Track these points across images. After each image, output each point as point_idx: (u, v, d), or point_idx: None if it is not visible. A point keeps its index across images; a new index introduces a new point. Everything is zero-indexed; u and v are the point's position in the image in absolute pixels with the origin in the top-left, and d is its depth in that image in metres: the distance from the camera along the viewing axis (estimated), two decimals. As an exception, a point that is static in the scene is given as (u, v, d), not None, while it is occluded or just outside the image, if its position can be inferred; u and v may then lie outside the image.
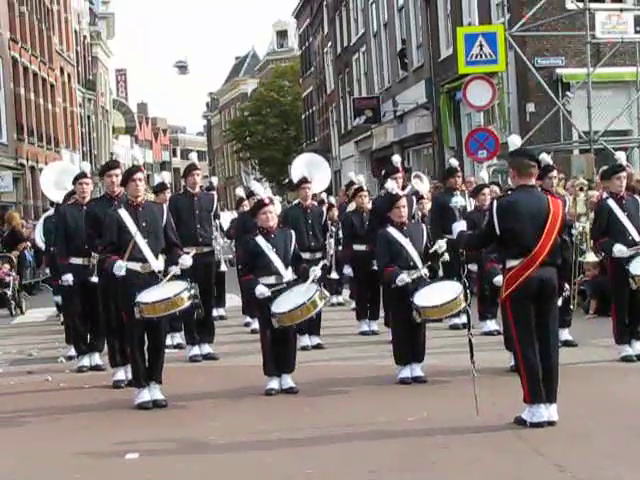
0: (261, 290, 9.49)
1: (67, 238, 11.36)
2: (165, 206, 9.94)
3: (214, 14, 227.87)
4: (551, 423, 7.68)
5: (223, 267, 12.62)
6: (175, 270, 9.31)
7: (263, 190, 10.21)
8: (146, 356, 9.31)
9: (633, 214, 10.61)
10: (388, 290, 10.19)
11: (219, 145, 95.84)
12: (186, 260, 9.36)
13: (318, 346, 12.30)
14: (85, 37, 57.07)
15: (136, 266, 9.17)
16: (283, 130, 62.56)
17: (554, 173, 11.11)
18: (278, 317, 9.36)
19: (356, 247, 13.51)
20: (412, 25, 31.74)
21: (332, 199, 19.51)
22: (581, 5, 19.53)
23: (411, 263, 9.84)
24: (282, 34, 76.73)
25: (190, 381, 10.45)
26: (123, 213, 9.26)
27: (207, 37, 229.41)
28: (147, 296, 8.98)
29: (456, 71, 22.20)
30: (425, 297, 9.48)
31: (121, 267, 9.03)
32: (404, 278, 9.65)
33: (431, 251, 9.82)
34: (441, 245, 9.83)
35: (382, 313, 12.90)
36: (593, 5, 19.78)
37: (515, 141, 8.68)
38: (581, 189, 14.86)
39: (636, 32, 19.45)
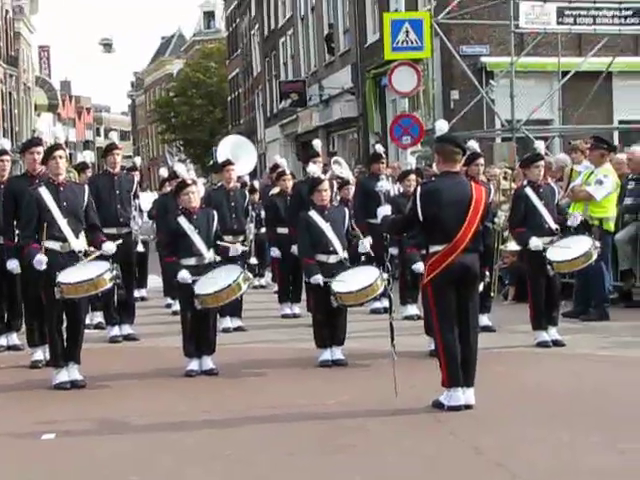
0: (183, 275, 9.42)
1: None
2: (86, 186, 9.80)
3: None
4: (468, 407, 7.76)
5: (140, 247, 12.50)
6: (97, 253, 9.20)
7: (186, 171, 10.16)
8: (65, 336, 9.19)
9: (549, 202, 10.78)
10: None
11: (144, 125, 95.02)
12: (109, 248, 9.25)
13: (239, 328, 12.29)
14: (7, 12, 56.07)
15: (56, 245, 9.04)
16: (209, 112, 62.18)
17: (481, 160, 11.22)
18: (202, 299, 9.31)
19: (279, 230, 13.53)
20: (339, 10, 31.78)
21: (255, 183, 19.45)
22: (506, -5, 19.70)
23: (331, 248, 9.88)
24: (209, 15, 76.22)
25: (110, 362, 10.36)
26: (44, 192, 9.11)
27: (133, 16, 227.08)
28: (68, 276, 8.86)
29: (382, 57, 22.24)
30: (343, 283, 9.51)
31: (41, 262, 8.87)
32: (317, 279, 9.70)
33: (360, 251, 9.86)
34: (365, 246, 9.88)
35: (304, 296, 12.92)
36: (518, -5, 19.96)
37: (442, 126, 8.73)
38: (505, 177, 15.01)
39: (558, 23, 19.63)
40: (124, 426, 7.65)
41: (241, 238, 12.29)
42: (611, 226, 12.72)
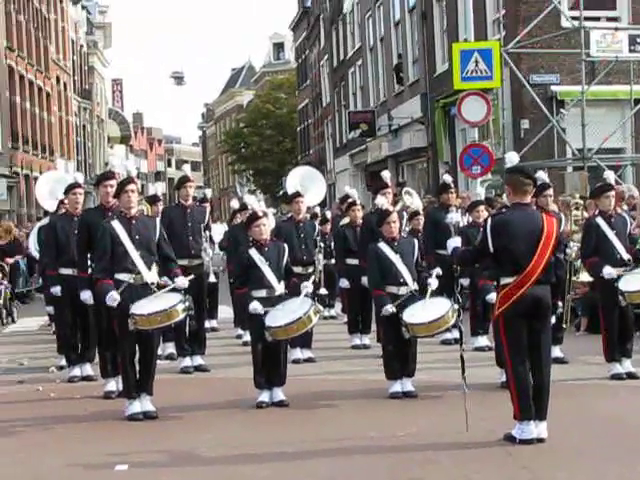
0: (255, 306, 9.49)
1: (57, 249, 11.38)
2: (158, 219, 9.94)
3: (211, 25, 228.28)
4: (540, 440, 7.69)
5: (212, 278, 12.61)
6: (170, 286, 9.30)
7: (257, 202, 10.24)
8: (137, 367, 9.29)
9: (621, 232, 10.67)
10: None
11: (214, 156, 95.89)
12: (182, 283, 9.34)
13: (310, 360, 12.30)
14: (82, 46, 57.16)
15: (129, 278, 9.17)
16: (278, 142, 62.56)
17: (550, 191, 11.14)
18: (272, 331, 9.36)
19: (349, 261, 13.55)
20: (408, 40, 31.85)
21: (327, 213, 19.53)
22: (576, 23, 19.63)
23: (401, 280, 9.89)
24: (279, 46, 76.82)
25: (181, 393, 10.44)
26: (116, 225, 9.25)
27: (204, 48, 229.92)
28: (141, 308, 8.97)
29: (451, 86, 22.23)
30: (414, 314, 9.51)
31: (114, 299, 9.00)
32: (388, 309, 9.71)
33: (428, 293, 9.82)
34: (432, 285, 9.86)
35: (374, 327, 12.90)
36: (588, 23, 19.88)
37: (512, 158, 8.73)
38: (577, 208, 14.88)
39: (630, 51, 19.52)
40: (195, 458, 7.70)
41: (310, 269, 12.34)
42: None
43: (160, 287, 9.24)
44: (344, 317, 15.29)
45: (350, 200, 14.61)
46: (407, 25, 31.82)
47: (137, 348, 9.24)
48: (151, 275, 9.26)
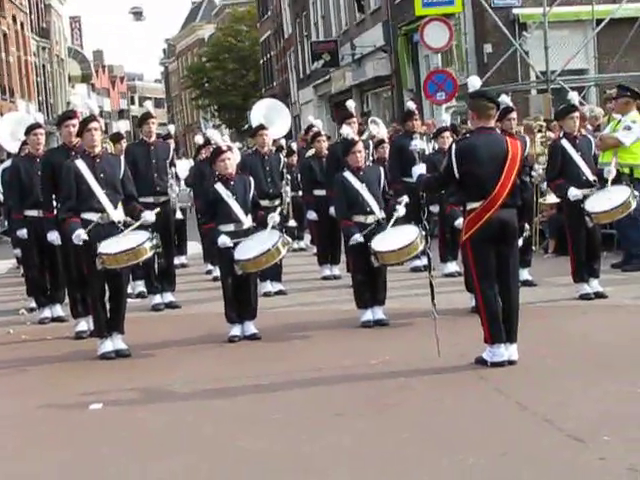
0: (223, 240, 9.46)
1: (21, 191, 11.27)
2: (122, 157, 9.85)
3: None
4: (511, 362, 7.77)
5: (179, 215, 12.56)
6: (137, 223, 9.25)
7: (220, 137, 10.17)
8: (108, 306, 9.28)
9: (586, 153, 10.70)
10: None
11: (177, 92, 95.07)
12: (149, 217, 9.29)
13: (280, 292, 12.33)
14: (37, -16, 56.13)
15: (95, 217, 9.10)
16: (242, 76, 62.09)
17: (513, 114, 11.16)
18: (242, 264, 9.35)
19: (316, 192, 13.52)
20: (368, -34, 31.52)
21: (293, 145, 19.44)
22: (536, -57, 19.52)
23: (368, 209, 9.88)
24: (238, -22, 75.80)
25: (153, 330, 10.44)
26: (80, 164, 9.16)
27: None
28: (109, 247, 8.91)
29: (413, 13, 22.10)
30: (383, 241, 9.52)
31: (79, 237, 8.94)
32: (356, 238, 9.72)
33: (392, 219, 9.81)
34: (399, 212, 9.85)
35: (344, 257, 12.92)
36: (548, -58, 19.72)
37: (475, 83, 8.69)
38: (539, 130, 14.90)
39: (591, -29, 19.46)
40: (169, 394, 7.71)
41: (277, 202, 12.30)
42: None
43: (127, 225, 9.18)
44: (313, 248, 15.32)
45: (315, 130, 14.56)
46: (367, -49, 31.48)
47: (106, 287, 9.22)
48: (118, 213, 9.20)
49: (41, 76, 54.57)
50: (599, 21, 20.61)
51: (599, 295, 10.52)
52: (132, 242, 8.95)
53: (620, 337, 8.69)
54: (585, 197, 10.42)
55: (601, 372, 7.44)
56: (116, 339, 9.21)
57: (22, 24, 49.73)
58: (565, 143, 10.70)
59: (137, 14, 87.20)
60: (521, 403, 6.77)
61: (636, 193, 10.67)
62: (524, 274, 11.15)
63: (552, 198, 12.26)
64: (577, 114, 10.91)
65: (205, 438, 6.51)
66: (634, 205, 10.53)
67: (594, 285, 10.61)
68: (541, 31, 19.78)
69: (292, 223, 13.34)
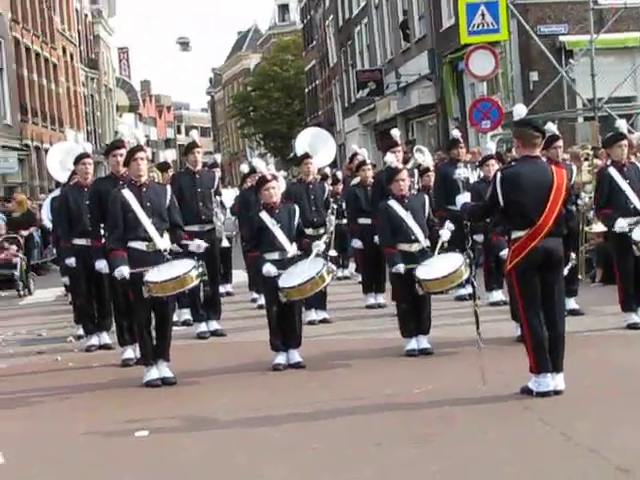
0: (268, 269, 9.52)
1: (70, 220, 11.41)
2: (168, 186, 9.94)
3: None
4: (557, 392, 7.71)
5: (225, 243, 12.63)
6: (190, 247, 9.35)
7: (265, 166, 10.23)
8: (154, 334, 9.34)
9: (635, 182, 10.62)
10: (391, 265, 10.23)
11: (223, 121, 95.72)
12: (196, 246, 9.39)
13: (325, 320, 12.35)
14: (86, 16, 56.92)
15: (142, 245, 9.20)
16: (287, 104, 62.43)
17: (560, 143, 11.13)
18: (286, 291, 9.40)
19: (361, 221, 13.55)
20: (414, -4, 31.62)
21: (338, 173, 19.50)
22: (583, -29, 19.48)
23: (412, 237, 9.89)
24: (283, 7, 76.43)
25: (198, 358, 10.50)
26: (127, 193, 9.27)
27: (209, 12, 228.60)
28: (155, 275, 9.01)
29: (458, 41, 22.11)
30: (427, 270, 9.52)
31: (121, 273, 9.07)
32: (399, 268, 9.75)
33: (437, 245, 9.81)
34: (443, 237, 9.85)
35: (389, 286, 12.92)
36: (595, -29, 19.73)
37: (520, 111, 8.67)
38: (586, 158, 14.84)
39: (640, -3, 19.38)
40: (213, 422, 7.74)
41: (322, 230, 12.34)
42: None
43: (173, 253, 9.27)
44: (358, 277, 15.32)
45: (360, 159, 14.60)
46: (412, -19, 31.58)
47: (153, 315, 9.29)
48: (164, 242, 9.29)
49: (90, 106, 55.20)
50: (646, 48, 20.55)
51: (647, 324, 10.43)
52: (178, 270, 9.03)
53: (668, 367, 8.60)
54: (632, 227, 10.35)
55: (648, 402, 7.37)
56: (162, 367, 9.27)
57: (72, 55, 50.39)
58: (613, 171, 10.64)
59: (184, 44, 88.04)
60: (566, 434, 6.71)
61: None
62: (571, 303, 11.09)
63: (599, 227, 12.17)
64: (625, 142, 10.85)
65: (244, 466, 6.52)
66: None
67: (642, 314, 10.51)
68: (588, 58, 19.73)
69: (333, 253, 13.34)
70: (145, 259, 9.14)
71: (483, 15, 20.44)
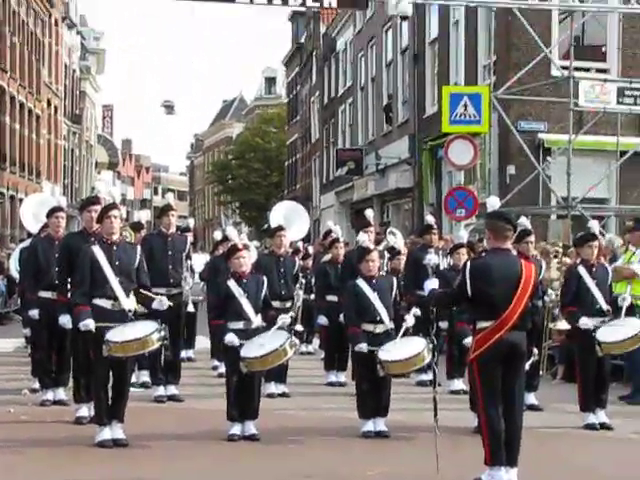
0: (231, 339, 9.50)
1: (37, 272, 11.34)
2: (139, 246, 9.94)
3: (204, 57, 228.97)
4: (510, 487, 7.68)
5: (190, 308, 12.59)
6: (154, 303, 9.31)
7: (237, 235, 10.26)
8: (110, 394, 9.25)
9: (602, 282, 10.72)
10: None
11: (201, 186, 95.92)
12: (159, 304, 9.36)
13: (284, 394, 12.28)
14: (74, 71, 57.20)
15: (107, 303, 9.16)
16: (266, 175, 62.68)
17: (531, 238, 11.21)
18: (248, 362, 9.35)
19: (329, 298, 13.54)
20: (399, 81, 32.02)
21: (309, 248, 19.55)
22: (566, 73, 19.77)
23: (378, 318, 9.90)
24: (271, 81, 77.12)
25: (153, 422, 10.38)
26: (97, 250, 9.24)
27: (196, 79, 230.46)
28: (117, 335, 8.96)
29: (440, 129, 22.34)
30: (390, 351, 9.52)
31: (87, 326, 9.04)
32: (362, 347, 9.75)
33: (402, 329, 9.83)
34: (408, 322, 9.87)
35: (350, 365, 12.88)
36: (578, 74, 20.02)
37: (493, 203, 8.76)
38: (555, 255, 14.96)
39: (618, 103, 19.66)
40: (162, 488, 7.66)
41: (289, 304, 12.32)
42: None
43: (137, 314, 9.22)
44: (321, 353, 15.27)
45: (333, 236, 14.65)
46: (399, 66, 32.00)
47: (111, 375, 9.21)
48: (129, 302, 9.24)
49: (69, 160, 55.19)
50: (623, 153, 20.80)
51: (604, 426, 10.43)
52: (140, 332, 8.99)
53: (620, 471, 8.59)
54: (597, 327, 10.41)
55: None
56: (115, 428, 9.17)
57: (56, 108, 50.51)
58: (582, 270, 10.73)
59: (169, 107, 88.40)
60: (516, 529, 6.68)
61: (648, 326, 10.68)
62: (530, 398, 11.09)
63: (563, 324, 12.25)
64: (596, 243, 10.97)
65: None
66: (646, 339, 10.52)
67: (600, 415, 10.52)
68: (565, 157, 19.95)
69: (299, 327, 13.29)
70: (109, 317, 9.09)
71: (466, 106, 20.70)
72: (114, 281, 9.16)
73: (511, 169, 22.10)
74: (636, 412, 11.58)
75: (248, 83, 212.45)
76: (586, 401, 10.53)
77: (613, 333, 10.38)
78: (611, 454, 9.44)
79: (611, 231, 20.75)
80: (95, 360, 9.14)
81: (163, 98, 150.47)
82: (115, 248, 9.30)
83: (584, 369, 10.58)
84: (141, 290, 9.43)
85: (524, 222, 11.23)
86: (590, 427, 10.40)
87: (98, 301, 9.14)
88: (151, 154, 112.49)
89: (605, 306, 10.62)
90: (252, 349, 9.39)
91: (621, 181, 21.87)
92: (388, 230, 16.49)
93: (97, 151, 65.25)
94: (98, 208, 10.13)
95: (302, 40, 52.84)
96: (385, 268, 12.87)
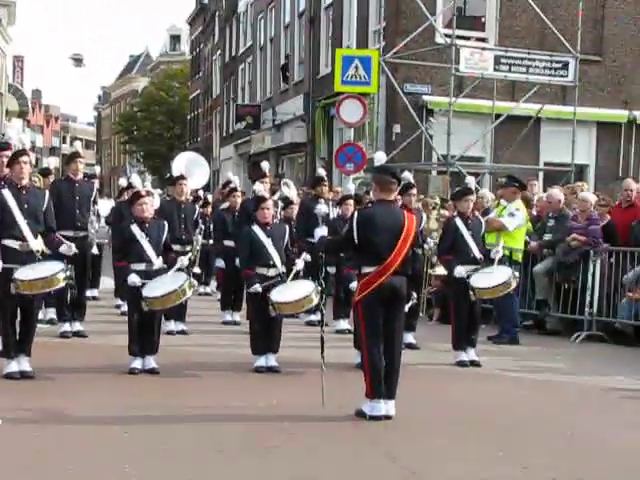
0: (133, 279, 9.43)
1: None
2: (47, 191, 9.73)
3: (113, 13, 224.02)
4: (388, 417, 7.79)
5: (95, 250, 12.41)
6: (61, 250, 9.15)
7: (141, 183, 10.14)
8: (18, 329, 9.09)
9: (476, 233, 10.90)
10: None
11: (108, 136, 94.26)
12: (67, 249, 9.19)
13: (182, 332, 12.24)
14: (-14, 22, 55.37)
15: (15, 244, 8.96)
16: (169, 128, 61.93)
17: (414, 191, 11.33)
18: (149, 301, 9.29)
19: (226, 243, 13.52)
20: (296, 42, 31.81)
21: (209, 196, 19.41)
22: (449, 41, 19.88)
23: (270, 262, 9.92)
24: (175, 38, 75.90)
25: (58, 356, 10.24)
26: (7, 193, 9.02)
27: (104, 34, 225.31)
28: (24, 273, 8.79)
29: (332, 88, 22.32)
30: (280, 293, 9.55)
31: None
32: (256, 288, 9.74)
33: (292, 273, 9.86)
34: (298, 266, 9.94)
35: (245, 305, 12.89)
36: (459, 42, 20.11)
37: (380, 157, 8.80)
38: (434, 207, 15.15)
39: (495, 70, 19.87)
40: (66, 417, 7.57)
41: (188, 248, 12.25)
42: (519, 257, 12.94)
43: (44, 255, 9.06)
44: (218, 294, 15.25)
45: (232, 186, 14.58)
46: (296, 28, 31.78)
47: (19, 311, 9.04)
48: (37, 243, 9.06)
49: (-21, 107, 53.60)
50: (498, 116, 21.10)
51: (474, 363, 10.66)
52: (46, 271, 8.84)
53: (488, 403, 8.81)
54: (470, 274, 10.60)
55: (468, 434, 7.52)
56: (23, 361, 9.03)
57: (-33, 57, 48.95)
58: (458, 222, 10.89)
59: (77, 60, 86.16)
60: (393, 455, 6.80)
61: (516, 274, 10.93)
62: (409, 337, 11.26)
63: (441, 270, 12.43)
64: (472, 197, 11.14)
65: (92, 462, 6.40)
66: (514, 285, 10.77)
67: (471, 354, 10.74)
68: (446, 118, 20.14)
69: (197, 270, 13.22)
70: (17, 257, 8.90)
71: (357, 68, 20.70)
72: (23, 223, 8.96)
73: (397, 128, 22.20)
74: (502, 351, 11.87)
75: (154, 40, 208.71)
76: (458, 341, 10.73)
77: (486, 280, 10.58)
78: (479, 388, 9.66)
79: (485, 187, 21.08)
80: (3, 297, 8.94)
81: (72, 51, 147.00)
82: (24, 192, 9.08)
83: (457, 312, 10.77)
84: (54, 236, 9.24)
85: (407, 176, 11.31)
86: (461, 364, 10.61)
87: (7, 242, 8.93)
88: (60, 104, 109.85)
89: (479, 255, 10.81)
90: (153, 289, 9.33)
91: (495, 141, 22.19)
92: (282, 181, 16.45)
93: (8, 100, 63.43)
94: (9, 154, 9.84)
95: (205, 1, 52.11)
96: (279, 217, 12.86)
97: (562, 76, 20.31)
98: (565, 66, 20.20)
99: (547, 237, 13.56)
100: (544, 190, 16.29)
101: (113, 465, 6.35)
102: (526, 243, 13.29)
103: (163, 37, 79.34)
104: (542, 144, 22.86)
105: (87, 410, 7.78)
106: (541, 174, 22.07)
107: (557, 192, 13.94)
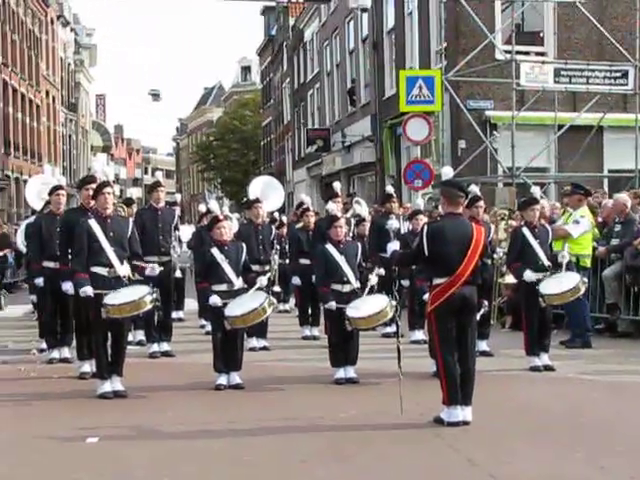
0: (214, 300, 9.52)
1: (41, 244, 11.29)
2: (131, 219, 9.93)
3: (187, 49, 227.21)
4: (466, 423, 7.73)
5: (178, 273, 12.58)
6: (147, 271, 9.31)
7: (219, 208, 10.27)
8: (109, 351, 9.25)
9: (544, 241, 10.77)
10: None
11: (186, 165, 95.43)
12: (152, 271, 9.34)
13: (264, 348, 12.29)
14: (69, 64, 56.70)
15: (103, 271, 9.13)
16: (243, 154, 62.48)
17: (481, 203, 11.23)
18: (231, 320, 9.36)
19: (302, 261, 13.57)
20: (361, 66, 31.92)
21: (284, 218, 19.52)
22: (509, 56, 19.76)
23: (345, 279, 9.92)
24: (246, 69, 76.68)
25: (148, 375, 10.37)
26: (93, 223, 9.22)
27: (179, 69, 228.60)
28: (113, 298, 8.95)
29: (398, 109, 22.32)
30: (356, 309, 9.54)
31: (86, 292, 9.02)
32: (332, 305, 9.77)
33: (367, 288, 9.85)
34: (372, 281, 9.91)
35: (323, 320, 12.91)
36: (519, 57, 20.00)
37: (447, 172, 8.78)
38: (502, 218, 15.01)
39: (555, 82, 19.68)
40: (158, 433, 7.67)
41: (267, 267, 12.33)
42: (587, 262, 12.75)
43: (131, 280, 9.21)
44: (296, 311, 15.29)
45: (304, 206, 14.64)
46: (360, 53, 31.90)
47: (109, 334, 9.20)
48: (123, 269, 9.22)
49: (67, 144, 54.80)
50: (560, 126, 20.87)
51: (548, 368, 10.51)
52: (134, 295, 8.98)
53: (562, 406, 8.68)
54: (539, 280, 10.48)
55: (544, 436, 7.42)
56: (115, 381, 9.17)
57: (54, 98, 50.11)
58: (525, 231, 10.77)
59: (155, 95, 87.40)
60: (471, 460, 6.74)
61: (585, 280, 10.76)
62: (482, 345, 11.16)
63: (510, 279, 12.29)
64: (538, 206, 11.01)
65: (185, 473, 6.45)
66: (583, 290, 10.60)
67: (544, 359, 10.60)
68: (509, 132, 19.98)
69: (277, 288, 13.30)
70: (106, 283, 9.08)
71: (421, 88, 20.67)
72: (109, 250, 9.14)
73: (462, 143, 22.10)
74: (575, 355, 11.68)
75: (226, 72, 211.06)
76: (531, 346, 10.60)
77: (554, 286, 10.44)
78: (553, 391, 9.52)
79: (551, 196, 20.87)
80: (94, 321, 9.12)
81: (150, 87, 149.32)
82: (109, 221, 9.28)
83: (528, 318, 10.65)
84: (134, 262, 9.40)
85: (474, 189, 11.24)
86: (535, 369, 10.48)
87: (95, 269, 9.12)
88: (141, 138, 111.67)
89: (546, 262, 10.67)
90: (235, 308, 9.40)
91: (559, 151, 21.94)
92: (354, 200, 16.49)
93: (92, 136, 64.79)
94: (94, 186, 10.08)
95: (273, 32, 52.56)
96: (351, 234, 12.87)
97: (622, 85, 20.01)
98: (624, 75, 19.90)
99: (614, 242, 13.34)
100: (609, 197, 16.03)
101: (203, 475, 6.40)
102: (594, 249, 13.10)
103: (235, 69, 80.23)
104: (605, 152, 22.52)
105: (178, 425, 7.86)
106: (606, 181, 21.74)
107: (623, 197, 13.72)
